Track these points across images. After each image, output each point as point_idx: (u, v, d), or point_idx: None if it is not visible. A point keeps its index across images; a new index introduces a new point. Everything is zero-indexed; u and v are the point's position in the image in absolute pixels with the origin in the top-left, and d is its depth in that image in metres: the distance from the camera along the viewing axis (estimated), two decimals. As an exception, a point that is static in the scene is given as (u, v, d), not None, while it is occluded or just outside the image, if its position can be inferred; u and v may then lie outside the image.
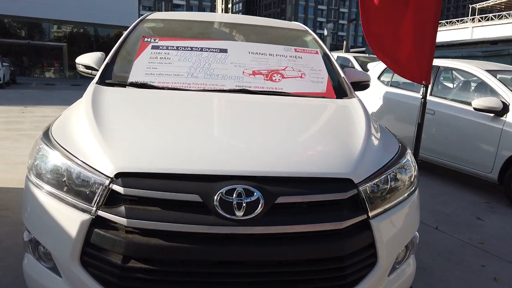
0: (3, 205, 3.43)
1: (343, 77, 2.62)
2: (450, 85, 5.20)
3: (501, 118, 4.18)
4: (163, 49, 2.52)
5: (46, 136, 1.68)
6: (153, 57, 2.45)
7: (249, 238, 1.38)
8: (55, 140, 1.62)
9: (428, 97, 5.06)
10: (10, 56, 23.42)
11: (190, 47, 2.56)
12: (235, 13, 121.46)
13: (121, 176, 1.39)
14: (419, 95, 5.17)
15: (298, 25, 3.27)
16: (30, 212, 1.58)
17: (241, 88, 2.29)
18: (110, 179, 1.39)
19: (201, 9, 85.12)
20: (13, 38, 29.07)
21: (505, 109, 4.14)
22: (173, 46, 2.56)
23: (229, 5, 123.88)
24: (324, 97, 2.36)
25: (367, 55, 10.63)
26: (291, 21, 3.52)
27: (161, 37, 2.65)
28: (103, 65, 2.45)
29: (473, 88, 5.05)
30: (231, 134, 1.69)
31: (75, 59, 2.78)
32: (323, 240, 1.42)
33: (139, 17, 3.38)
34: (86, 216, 1.40)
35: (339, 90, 2.47)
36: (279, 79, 2.43)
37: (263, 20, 3.23)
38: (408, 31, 2.94)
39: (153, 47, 2.53)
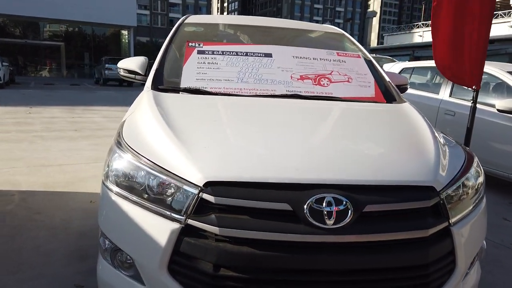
0: (33, 209, 3.42)
1: (389, 80, 2.64)
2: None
3: (525, 119, 4.22)
4: (209, 53, 2.52)
5: (121, 144, 1.67)
6: (200, 62, 2.44)
7: (338, 247, 1.39)
8: (133, 149, 1.60)
9: (448, 99, 5.11)
10: (7, 55, 23.22)
11: (235, 51, 2.56)
12: (231, 12, 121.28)
13: (210, 185, 1.39)
14: (437, 96, 5.22)
15: (333, 28, 3.28)
16: (111, 221, 1.57)
17: (293, 93, 2.29)
18: (199, 188, 1.39)
19: (196, 8, 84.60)
20: (10, 37, 28.86)
21: (529, 110, 4.18)
22: (218, 51, 2.55)
23: (225, 4, 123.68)
24: (375, 102, 2.37)
25: (374, 55, 10.66)
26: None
27: (205, 42, 2.64)
28: (153, 70, 2.43)
29: (492, 89, 5.08)
30: (310, 142, 1.69)
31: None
32: (409, 248, 1.43)
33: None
34: (176, 225, 1.39)
35: (387, 94, 2.48)
36: (327, 84, 2.43)
37: (298, 23, 3.24)
38: (472, 41, 2.97)
39: (199, 52, 2.53)
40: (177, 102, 2.04)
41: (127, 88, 21.79)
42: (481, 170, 1.82)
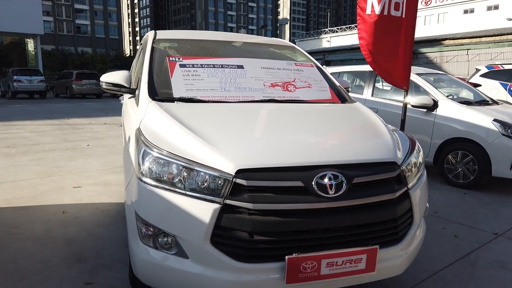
0: (8, 224, 3.42)
1: (339, 85, 3.22)
2: (388, 87, 6.14)
3: (433, 112, 5.18)
4: (189, 67, 2.87)
5: (151, 146, 1.97)
6: (185, 75, 2.78)
7: (338, 210, 1.87)
8: (165, 150, 1.92)
9: (370, 98, 5.98)
10: None
11: (212, 64, 2.95)
12: (142, 18, 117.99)
13: (241, 172, 1.79)
14: (361, 96, 6.06)
15: (284, 42, 3.80)
16: (155, 209, 1.87)
17: (269, 98, 2.75)
18: (232, 175, 1.78)
19: (106, 14, 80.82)
20: None
21: (435, 105, 5.15)
22: (197, 64, 2.91)
23: (136, 10, 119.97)
24: (333, 103, 2.93)
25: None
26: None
27: (184, 56, 2.98)
28: (145, 84, 2.69)
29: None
30: (305, 134, 2.18)
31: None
32: (384, 207, 1.96)
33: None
34: (216, 205, 1.77)
35: (340, 96, 3.05)
36: (293, 90, 2.93)
37: (257, 38, 3.70)
38: (399, 48, 3.69)
39: (181, 66, 2.86)
40: (182, 110, 2.37)
41: (41, 101, 20.44)
42: (420, 150, 2.45)
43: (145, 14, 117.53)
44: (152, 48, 3.09)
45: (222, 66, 2.94)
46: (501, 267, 2.85)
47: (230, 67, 2.95)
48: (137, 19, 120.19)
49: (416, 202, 2.13)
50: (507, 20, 34.81)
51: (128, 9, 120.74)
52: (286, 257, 1.77)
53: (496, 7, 37.92)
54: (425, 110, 5.23)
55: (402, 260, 2.06)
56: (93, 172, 5.28)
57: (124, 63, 57.02)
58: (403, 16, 3.64)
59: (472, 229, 3.59)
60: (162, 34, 3.44)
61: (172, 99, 2.57)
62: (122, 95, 3.81)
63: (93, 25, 78.34)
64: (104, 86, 2.96)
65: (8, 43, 31.20)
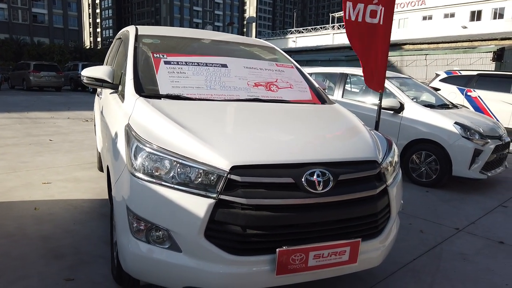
0: None
1: (318, 86, 3.34)
2: (357, 89, 6.38)
3: (399, 114, 5.45)
4: (174, 64, 2.88)
5: (143, 141, 1.99)
6: (170, 72, 2.80)
7: (325, 205, 1.98)
8: (158, 145, 1.95)
9: (341, 99, 6.18)
10: None
11: (196, 62, 2.98)
12: (104, 9, 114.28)
13: (235, 169, 1.86)
14: (332, 97, 6.25)
15: (265, 42, 3.88)
16: (148, 204, 1.90)
17: (253, 97, 2.82)
18: (227, 172, 1.85)
19: (65, 3, 77.37)
20: None
21: (401, 107, 5.42)
22: (182, 62, 2.93)
23: (97, 1, 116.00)
24: (314, 103, 3.04)
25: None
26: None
27: (168, 53, 2.99)
28: (130, 80, 2.67)
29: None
30: (294, 133, 2.27)
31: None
32: (366, 203, 2.10)
33: None
34: (211, 200, 1.82)
35: (319, 97, 3.17)
36: (276, 90, 3.02)
37: (239, 37, 3.75)
38: (375, 54, 3.88)
39: (166, 62, 2.88)
40: (171, 106, 2.39)
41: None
42: (396, 150, 2.61)
43: (106, 5, 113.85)
44: (135, 44, 3.07)
45: (206, 65, 2.98)
46: (464, 259, 3.09)
47: (214, 66, 2.99)
48: (98, 10, 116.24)
49: (393, 198, 2.28)
50: (462, 28, 36.78)
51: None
52: (277, 249, 1.86)
53: (453, 15, 39.91)
54: (392, 112, 5.49)
55: (380, 252, 2.21)
56: (62, 168, 5.13)
57: (84, 55, 55.04)
58: (381, 23, 3.84)
59: (435, 224, 3.85)
60: (144, 29, 3.42)
61: (158, 96, 2.58)
62: (101, 90, 3.75)
63: (51, 15, 74.76)
64: (85, 81, 2.92)
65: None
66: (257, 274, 1.89)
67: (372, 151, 2.25)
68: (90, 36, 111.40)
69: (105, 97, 3.41)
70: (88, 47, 69.27)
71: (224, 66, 3.04)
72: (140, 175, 1.93)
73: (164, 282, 1.96)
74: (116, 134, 2.40)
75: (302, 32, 56.96)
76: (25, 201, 3.81)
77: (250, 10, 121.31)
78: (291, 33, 58.61)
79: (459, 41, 22.76)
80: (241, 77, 2.99)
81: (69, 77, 24.28)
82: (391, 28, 3.93)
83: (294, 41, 54.21)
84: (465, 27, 37.13)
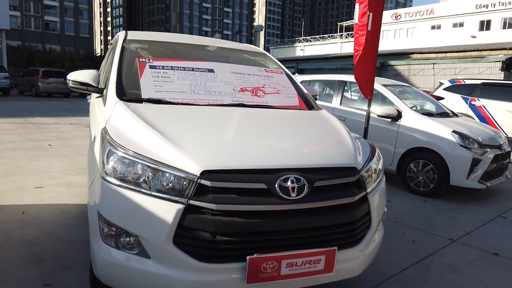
0: None
1: (306, 92, 3.30)
2: (356, 97, 6.33)
3: (397, 122, 5.38)
4: (159, 68, 2.87)
5: (114, 145, 1.96)
6: (155, 76, 2.78)
7: (299, 212, 1.93)
8: (131, 150, 1.92)
9: (339, 107, 6.14)
10: None
11: (183, 67, 2.96)
12: (115, 17, 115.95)
13: (206, 173, 1.81)
14: (330, 104, 6.21)
15: (256, 48, 3.86)
16: (117, 209, 1.86)
17: (238, 102, 2.79)
18: (197, 176, 1.81)
19: (77, 12, 78.72)
20: None
21: (399, 115, 5.35)
22: (167, 66, 2.92)
23: (108, 9, 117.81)
24: (300, 109, 3.00)
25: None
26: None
27: (154, 58, 2.98)
28: (113, 83, 2.66)
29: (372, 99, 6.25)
30: (270, 139, 2.22)
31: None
32: (344, 210, 2.04)
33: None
34: (180, 206, 1.78)
35: (307, 103, 3.13)
36: (262, 95, 2.99)
37: (229, 43, 3.74)
38: (364, 61, 3.85)
39: (151, 67, 2.86)
40: (149, 110, 2.37)
41: (4, 98, 19.63)
42: (380, 157, 2.55)
43: (118, 13, 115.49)
44: (122, 48, 3.07)
45: (192, 69, 2.96)
46: (454, 271, 3.00)
47: (200, 71, 2.97)
48: (109, 18, 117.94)
49: (374, 206, 2.22)
50: (471, 38, 36.52)
51: (100, 7, 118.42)
52: (247, 257, 1.80)
53: (461, 25, 39.67)
54: (389, 120, 5.42)
55: (360, 261, 2.14)
56: (56, 172, 5.14)
57: (95, 62, 55.63)
58: (369, 29, 3.81)
59: (429, 234, 3.75)
60: (133, 34, 3.42)
61: (140, 100, 2.56)
62: (89, 94, 3.75)
63: (62, 22, 76.08)
64: (70, 85, 2.91)
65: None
66: (227, 282, 1.83)
67: (351, 157, 2.19)
68: (101, 44, 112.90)
69: (93, 101, 3.40)
70: (99, 55, 70.12)
71: (211, 71, 3.02)
72: (111, 179, 1.90)
73: None
74: (94, 138, 2.38)
75: (310, 41, 57.06)
76: (14, 205, 3.81)
77: (259, 19, 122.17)
78: (299, 42, 58.74)
79: (468, 51, 22.60)
80: (227, 82, 2.97)
81: (77, 84, 24.49)
82: (379, 34, 3.89)
83: (302, 50, 54.33)
84: (474, 37, 36.86)
